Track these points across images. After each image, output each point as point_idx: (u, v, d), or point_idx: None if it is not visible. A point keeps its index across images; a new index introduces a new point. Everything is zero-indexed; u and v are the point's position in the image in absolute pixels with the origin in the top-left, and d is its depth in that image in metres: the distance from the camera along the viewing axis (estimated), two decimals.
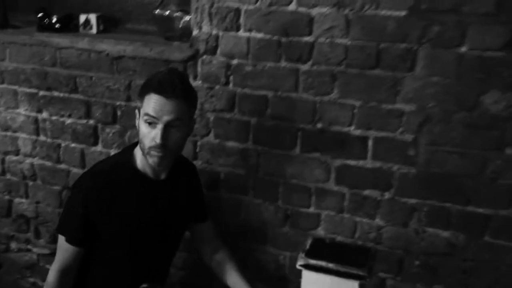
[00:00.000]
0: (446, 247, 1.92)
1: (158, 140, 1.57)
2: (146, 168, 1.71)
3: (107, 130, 2.29)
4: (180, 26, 2.13)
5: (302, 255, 0.75)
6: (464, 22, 1.72)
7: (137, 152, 1.73)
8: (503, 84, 1.74)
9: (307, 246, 0.76)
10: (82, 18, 2.33)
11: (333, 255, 0.76)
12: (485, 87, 1.76)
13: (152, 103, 1.57)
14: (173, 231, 1.84)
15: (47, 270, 1.78)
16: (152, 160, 1.63)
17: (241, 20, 1.97)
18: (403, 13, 1.77)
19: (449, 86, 1.79)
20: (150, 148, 1.61)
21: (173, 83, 1.59)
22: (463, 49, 1.75)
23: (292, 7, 1.89)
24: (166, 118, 1.56)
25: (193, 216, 1.91)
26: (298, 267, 0.75)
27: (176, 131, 1.60)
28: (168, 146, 1.60)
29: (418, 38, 1.78)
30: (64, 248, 1.71)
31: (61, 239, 1.72)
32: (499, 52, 1.71)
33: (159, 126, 1.57)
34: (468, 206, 1.86)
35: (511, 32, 1.68)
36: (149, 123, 1.59)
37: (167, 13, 2.14)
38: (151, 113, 1.57)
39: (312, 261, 0.75)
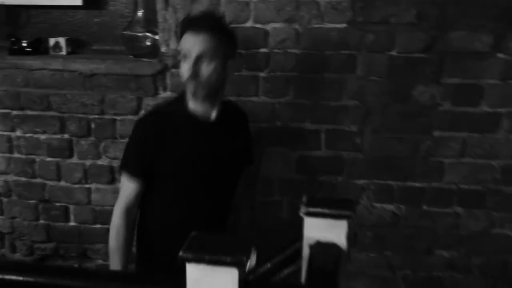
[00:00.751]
0: (391, 218, 2.28)
1: (189, 71, 1.70)
2: (196, 110, 1.79)
3: (82, 142, 2.47)
4: (147, 44, 2.38)
5: (303, 205, 1.04)
6: (393, 31, 2.10)
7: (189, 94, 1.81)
8: (426, 80, 2.14)
9: (305, 201, 1.05)
10: (52, 41, 2.50)
11: (326, 204, 1.04)
12: (413, 83, 2.15)
13: (184, 40, 1.73)
14: (225, 174, 1.88)
15: None
16: (189, 92, 1.75)
17: None
18: (343, 25, 2.13)
19: (384, 83, 2.16)
20: (186, 80, 1.73)
21: (200, 19, 1.77)
22: (393, 52, 2.13)
23: (249, 23, 2.20)
24: (195, 50, 1.69)
25: (242, 160, 1.97)
26: (300, 215, 1.03)
27: (206, 65, 1.70)
28: (199, 78, 1.71)
29: (357, 45, 2.14)
30: (125, 185, 1.82)
31: (123, 176, 1.83)
32: (421, 54, 2.11)
33: (190, 60, 1.71)
34: (407, 181, 2.24)
35: (430, 38, 2.09)
36: (185, 59, 1.73)
37: (135, 33, 2.38)
38: (184, 49, 1.73)
39: (311, 209, 1.03)
